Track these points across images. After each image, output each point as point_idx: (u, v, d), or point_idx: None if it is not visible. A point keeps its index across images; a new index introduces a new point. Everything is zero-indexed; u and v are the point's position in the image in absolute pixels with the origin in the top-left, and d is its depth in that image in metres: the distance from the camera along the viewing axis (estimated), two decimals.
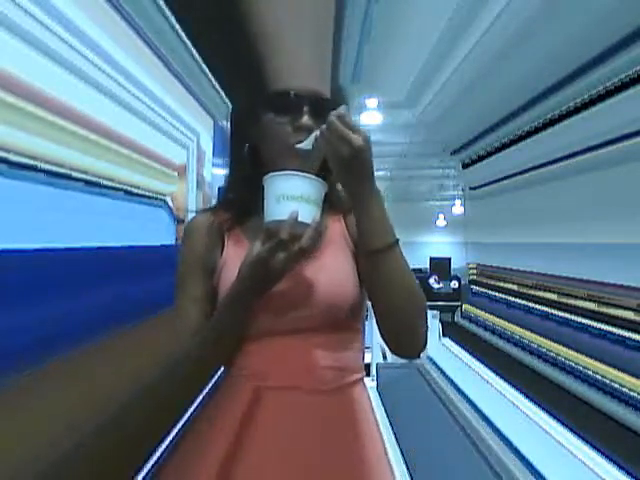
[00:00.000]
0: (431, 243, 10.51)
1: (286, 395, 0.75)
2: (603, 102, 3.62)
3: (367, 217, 0.71)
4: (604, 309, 3.66)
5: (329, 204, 0.80)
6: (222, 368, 0.82)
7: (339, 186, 0.78)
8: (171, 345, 0.80)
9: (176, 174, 4.62)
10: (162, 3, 3.38)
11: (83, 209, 2.88)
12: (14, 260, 2.20)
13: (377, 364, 3.74)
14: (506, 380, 3.84)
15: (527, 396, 3.41)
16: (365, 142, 0.67)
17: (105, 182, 3.16)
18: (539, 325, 4.68)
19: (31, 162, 2.27)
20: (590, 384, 3.51)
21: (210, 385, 0.81)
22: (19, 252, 2.26)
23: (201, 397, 0.80)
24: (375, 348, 3.80)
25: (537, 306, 4.85)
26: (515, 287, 5.61)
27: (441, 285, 8.44)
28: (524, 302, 5.23)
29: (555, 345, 4.20)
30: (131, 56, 3.35)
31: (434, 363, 4.24)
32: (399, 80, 4.63)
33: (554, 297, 4.50)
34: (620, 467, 2.35)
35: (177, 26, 3.94)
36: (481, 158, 6.47)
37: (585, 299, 3.94)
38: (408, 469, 2.21)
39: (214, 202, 0.86)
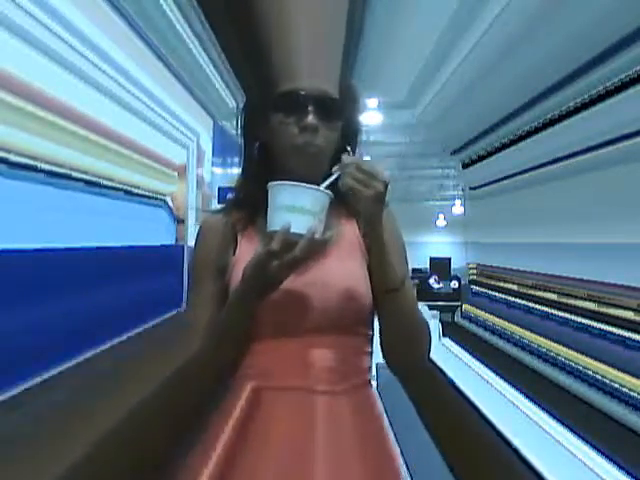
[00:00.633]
0: (431, 243, 10.51)
1: (291, 396, 0.75)
2: (603, 102, 3.62)
3: (382, 256, 0.74)
4: (604, 309, 3.66)
5: (344, 207, 0.81)
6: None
7: None
8: (181, 345, 0.81)
9: (176, 174, 4.61)
10: (165, 3, 3.38)
11: (83, 209, 2.87)
12: (14, 260, 2.19)
13: (377, 364, 3.72)
14: (506, 380, 3.84)
15: (527, 396, 3.41)
16: (385, 189, 0.70)
17: (105, 182, 3.16)
18: (539, 325, 4.68)
19: (31, 162, 2.27)
20: (590, 384, 3.51)
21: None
22: (19, 252, 2.26)
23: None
24: (376, 348, 3.79)
25: (537, 306, 4.85)
26: (515, 287, 5.61)
27: (441, 285, 8.44)
28: (524, 302, 5.23)
29: (555, 345, 4.20)
30: (131, 57, 3.35)
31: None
32: (399, 80, 4.64)
33: (554, 297, 4.50)
34: (620, 467, 2.35)
35: (177, 26, 3.94)
36: (481, 158, 6.47)
37: (585, 299, 3.94)
38: (408, 469, 2.21)
39: (214, 202, 0.87)
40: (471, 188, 7.93)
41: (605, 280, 3.66)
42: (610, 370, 3.37)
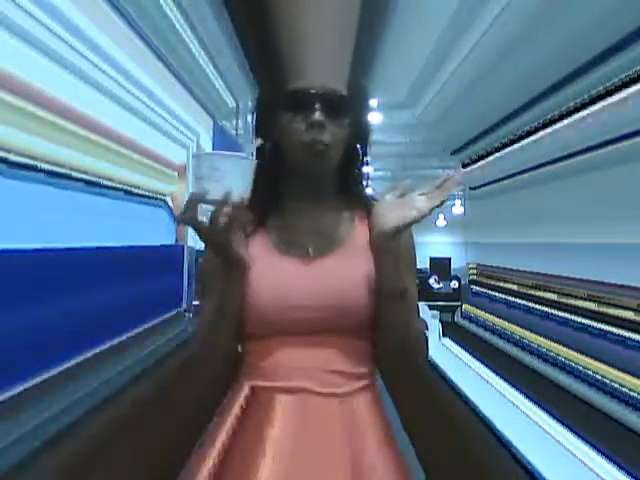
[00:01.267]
0: (431, 243, 10.51)
1: (293, 397, 0.75)
2: (603, 102, 3.61)
3: (391, 261, 0.75)
4: (604, 309, 3.66)
5: (358, 209, 0.82)
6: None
7: (366, 188, 0.82)
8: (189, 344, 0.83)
9: (176, 174, 4.61)
10: (168, 3, 3.37)
11: (83, 209, 2.87)
12: (14, 260, 2.19)
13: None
14: (506, 380, 3.84)
15: (527, 396, 3.40)
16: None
17: (105, 182, 3.15)
18: (539, 325, 4.67)
19: (31, 162, 2.26)
20: (590, 384, 3.50)
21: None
22: (19, 252, 2.26)
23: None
24: None
25: (537, 306, 4.85)
26: (515, 287, 5.60)
27: (441, 285, 8.43)
28: (524, 302, 5.22)
29: (555, 345, 4.19)
30: (131, 56, 3.34)
31: (434, 366, 4.24)
32: (399, 80, 4.63)
33: (554, 297, 4.50)
34: (620, 467, 2.35)
35: (177, 26, 3.93)
36: (481, 158, 6.46)
37: (585, 299, 3.93)
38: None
39: None
40: (471, 188, 7.93)
41: (605, 280, 3.65)
42: (610, 370, 3.36)
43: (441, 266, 8.90)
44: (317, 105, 0.74)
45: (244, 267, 0.75)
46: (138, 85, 3.47)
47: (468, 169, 6.76)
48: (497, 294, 6.24)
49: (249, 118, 6.59)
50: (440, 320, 6.48)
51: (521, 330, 5.03)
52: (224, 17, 3.33)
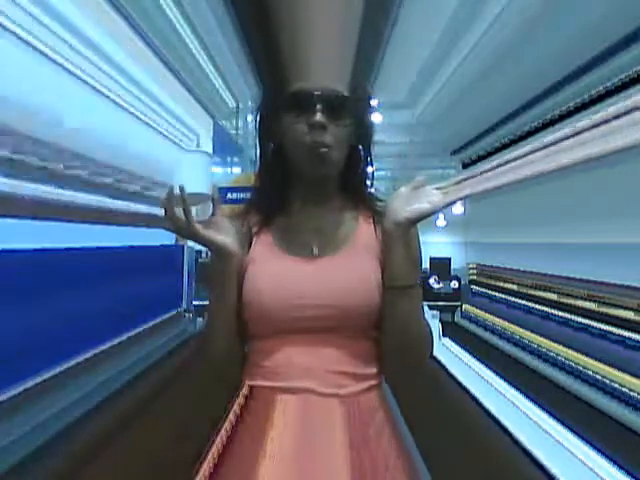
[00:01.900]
0: (431, 243, 10.49)
1: (295, 397, 0.74)
2: (603, 102, 3.62)
3: (404, 252, 0.75)
4: (604, 309, 3.66)
5: (362, 207, 0.82)
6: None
7: (370, 188, 0.85)
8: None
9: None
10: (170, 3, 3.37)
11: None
12: (14, 260, 2.19)
13: None
14: (506, 380, 3.84)
15: (527, 396, 3.40)
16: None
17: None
18: (539, 325, 4.67)
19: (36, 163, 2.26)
20: (590, 384, 3.50)
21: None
22: (19, 252, 2.25)
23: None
24: None
25: (537, 306, 4.85)
26: (515, 287, 5.60)
27: (441, 285, 8.41)
28: (524, 302, 5.22)
29: (555, 345, 4.19)
30: (131, 56, 3.34)
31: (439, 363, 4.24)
32: (399, 80, 4.64)
33: (554, 297, 4.50)
34: (620, 467, 2.35)
35: (177, 26, 3.93)
36: (481, 158, 6.46)
37: (585, 299, 3.93)
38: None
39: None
40: None
41: (605, 280, 3.66)
42: (610, 370, 3.36)
43: (441, 266, 8.88)
44: (319, 106, 0.74)
45: (227, 254, 0.76)
46: (138, 85, 3.47)
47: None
48: (497, 294, 6.24)
49: (249, 118, 6.59)
50: (440, 320, 6.48)
51: (521, 330, 5.03)
52: (226, 18, 3.33)
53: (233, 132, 6.94)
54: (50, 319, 2.41)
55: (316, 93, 0.75)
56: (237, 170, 7.81)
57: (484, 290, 6.92)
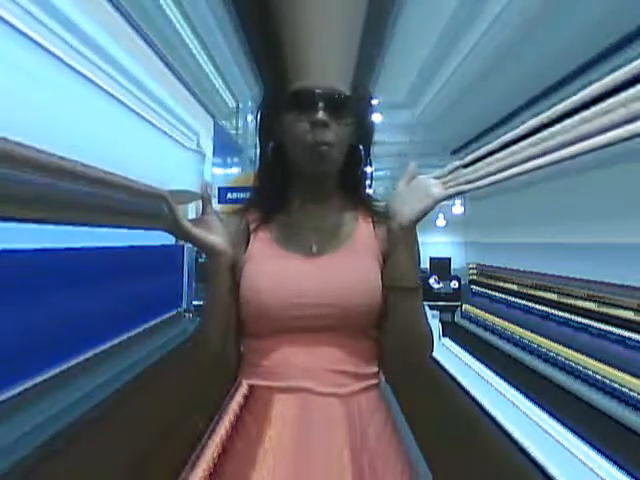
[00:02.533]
0: (431, 243, 10.49)
1: (293, 397, 0.74)
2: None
3: (409, 253, 0.76)
4: (604, 309, 3.66)
5: (361, 206, 0.82)
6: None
7: (369, 189, 0.86)
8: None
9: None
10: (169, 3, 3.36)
11: None
12: (14, 260, 2.19)
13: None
14: (506, 380, 3.84)
15: (527, 396, 3.40)
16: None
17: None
18: (539, 325, 4.67)
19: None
20: (590, 384, 3.50)
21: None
22: (19, 252, 2.25)
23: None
24: None
25: (537, 306, 4.85)
26: (515, 287, 5.60)
27: (441, 285, 8.42)
28: (524, 302, 5.22)
29: (555, 345, 4.19)
30: (132, 55, 3.34)
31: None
32: (399, 80, 4.64)
33: (554, 297, 4.50)
34: (620, 467, 2.35)
35: (177, 26, 3.93)
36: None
37: (585, 299, 3.93)
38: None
39: (214, 202, 0.88)
40: None
41: (605, 280, 3.65)
42: (610, 370, 3.36)
43: (441, 266, 8.88)
44: (320, 105, 0.75)
45: (217, 254, 0.77)
46: (138, 85, 3.47)
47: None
48: (497, 294, 6.24)
49: (249, 118, 6.59)
50: (440, 320, 6.48)
51: (521, 330, 5.03)
52: (226, 18, 3.33)
53: (233, 132, 6.95)
54: (50, 319, 2.41)
55: (318, 91, 0.75)
56: (237, 170, 7.82)
57: (484, 290, 6.92)
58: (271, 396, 0.75)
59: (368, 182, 0.87)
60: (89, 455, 2.15)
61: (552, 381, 3.93)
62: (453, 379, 3.98)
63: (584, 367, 3.66)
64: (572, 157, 0.66)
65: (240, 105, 6.51)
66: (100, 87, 2.93)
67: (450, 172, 0.76)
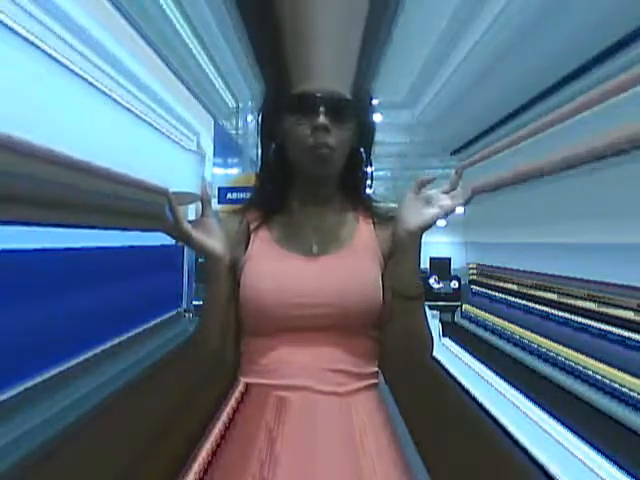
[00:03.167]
0: (431, 243, 10.47)
1: (292, 395, 0.75)
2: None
3: (412, 263, 0.77)
4: (604, 309, 3.65)
5: (362, 208, 0.83)
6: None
7: (369, 189, 0.86)
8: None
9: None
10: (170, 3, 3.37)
11: None
12: (14, 260, 2.19)
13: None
14: (506, 380, 3.84)
15: (527, 396, 3.40)
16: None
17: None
18: (539, 325, 4.67)
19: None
20: (590, 384, 3.50)
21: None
22: (19, 252, 2.25)
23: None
24: None
25: (537, 306, 4.85)
26: (515, 287, 5.60)
27: (441, 285, 8.42)
28: (524, 302, 5.22)
29: (555, 345, 4.19)
30: (132, 55, 3.34)
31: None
32: (399, 80, 4.64)
33: (554, 297, 4.50)
34: (620, 467, 2.35)
35: (177, 26, 3.93)
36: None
37: (585, 299, 3.93)
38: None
39: (214, 202, 0.88)
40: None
41: (605, 280, 3.65)
42: (610, 370, 3.36)
43: (441, 266, 8.88)
44: (322, 109, 0.75)
45: (215, 257, 0.78)
46: (138, 84, 3.47)
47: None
48: (497, 294, 6.24)
49: (249, 118, 6.60)
50: (440, 320, 6.48)
51: (521, 330, 5.03)
52: (226, 18, 3.34)
53: (233, 132, 6.95)
54: (50, 319, 2.41)
55: (319, 96, 0.75)
56: (237, 170, 7.83)
57: (484, 290, 6.92)
58: (269, 394, 0.75)
59: (368, 182, 0.87)
60: (89, 455, 2.15)
61: (552, 381, 3.93)
62: (453, 379, 3.99)
63: (584, 367, 3.66)
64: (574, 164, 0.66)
65: (240, 105, 6.51)
66: (100, 88, 2.93)
67: (452, 183, 0.77)
